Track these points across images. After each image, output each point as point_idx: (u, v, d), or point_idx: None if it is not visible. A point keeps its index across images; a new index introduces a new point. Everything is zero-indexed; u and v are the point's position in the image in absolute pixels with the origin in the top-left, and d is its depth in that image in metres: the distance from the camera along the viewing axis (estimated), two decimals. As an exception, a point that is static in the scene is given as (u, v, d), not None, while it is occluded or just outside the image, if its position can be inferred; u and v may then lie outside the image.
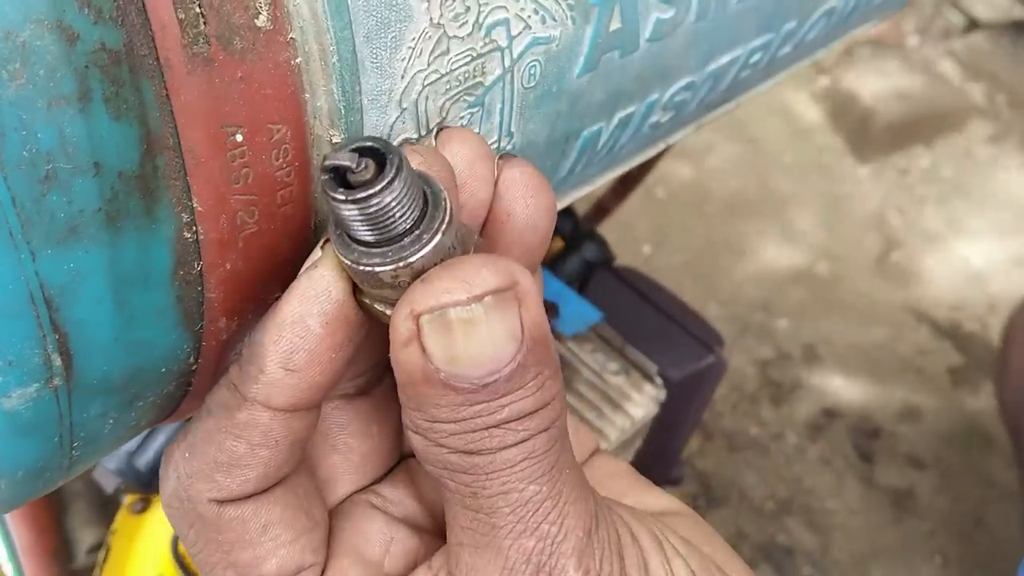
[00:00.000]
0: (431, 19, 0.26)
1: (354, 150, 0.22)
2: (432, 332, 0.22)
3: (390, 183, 0.22)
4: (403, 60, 0.26)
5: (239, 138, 0.23)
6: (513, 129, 0.31)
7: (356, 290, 0.24)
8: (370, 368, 0.30)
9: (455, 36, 0.27)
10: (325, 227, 0.27)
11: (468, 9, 0.27)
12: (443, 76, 0.27)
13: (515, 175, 0.27)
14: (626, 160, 0.42)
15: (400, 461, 0.31)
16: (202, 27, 0.21)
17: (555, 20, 0.30)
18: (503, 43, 0.29)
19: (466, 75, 0.28)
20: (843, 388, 1.37)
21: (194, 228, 0.23)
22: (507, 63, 0.29)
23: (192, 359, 0.27)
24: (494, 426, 0.23)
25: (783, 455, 1.29)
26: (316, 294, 0.24)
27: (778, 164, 1.74)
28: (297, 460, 0.26)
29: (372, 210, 0.22)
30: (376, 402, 0.30)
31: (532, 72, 0.30)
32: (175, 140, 0.22)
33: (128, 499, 0.54)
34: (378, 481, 0.30)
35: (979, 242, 1.64)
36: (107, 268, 0.22)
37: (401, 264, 0.23)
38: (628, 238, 1.44)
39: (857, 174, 1.73)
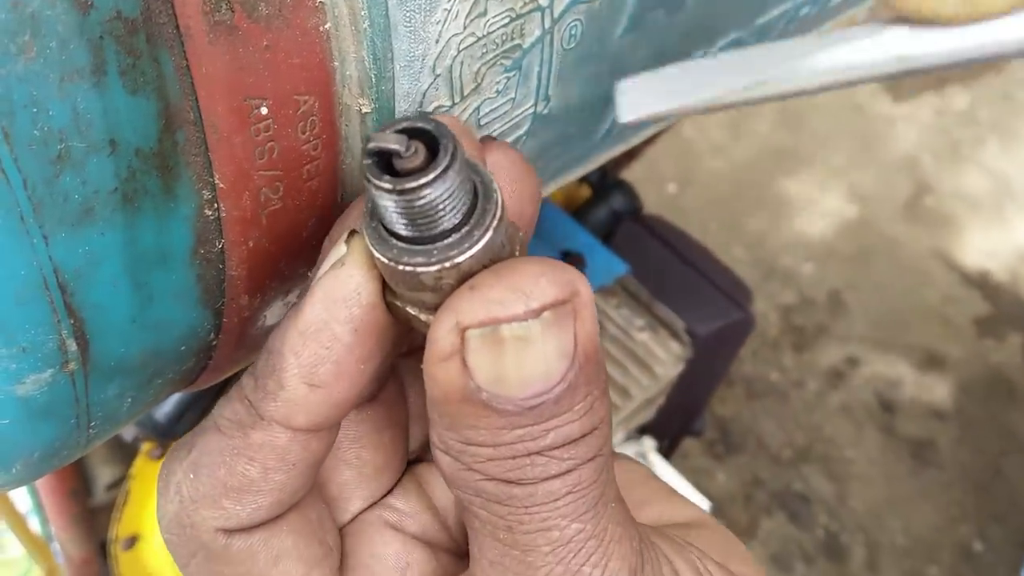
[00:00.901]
0: (469, -21, 0.24)
1: (402, 131, 0.19)
2: (479, 348, 0.19)
3: (443, 172, 0.19)
4: (438, 23, 0.24)
5: (264, 111, 0.21)
6: (550, 93, 0.29)
7: (386, 290, 0.21)
8: (385, 370, 0.26)
9: (494, -3, 0.25)
10: (352, 198, 0.25)
11: (508, -33, 0.25)
12: (480, 39, 0.26)
13: (499, 160, 0.24)
14: (659, 121, 0.41)
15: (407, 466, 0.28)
16: (224, -8, 0.20)
17: (599, -23, 0.28)
18: (544, 3, 0.27)
19: (504, 37, 0.26)
20: (867, 335, 1.35)
21: (215, 206, 0.22)
22: (547, 24, 0.27)
23: (212, 336, 0.26)
24: (537, 453, 0.20)
25: (803, 403, 1.28)
26: (344, 297, 0.21)
27: (810, 102, 1.69)
28: (312, 483, 0.24)
29: (421, 203, 0.19)
30: (385, 407, 0.27)
31: (573, 33, 0.28)
32: (196, 114, 0.21)
33: (146, 446, 0.54)
34: (389, 492, 0.27)
35: (1013, 190, 1.60)
36: (124, 250, 0.21)
37: (447, 265, 0.20)
38: (654, 176, 1.42)
39: (891, 114, 1.69)
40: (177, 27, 0.20)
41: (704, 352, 0.63)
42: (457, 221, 0.20)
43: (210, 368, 0.28)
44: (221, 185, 0.22)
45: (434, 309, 0.20)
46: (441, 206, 0.19)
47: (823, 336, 1.35)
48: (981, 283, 1.42)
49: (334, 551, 0.25)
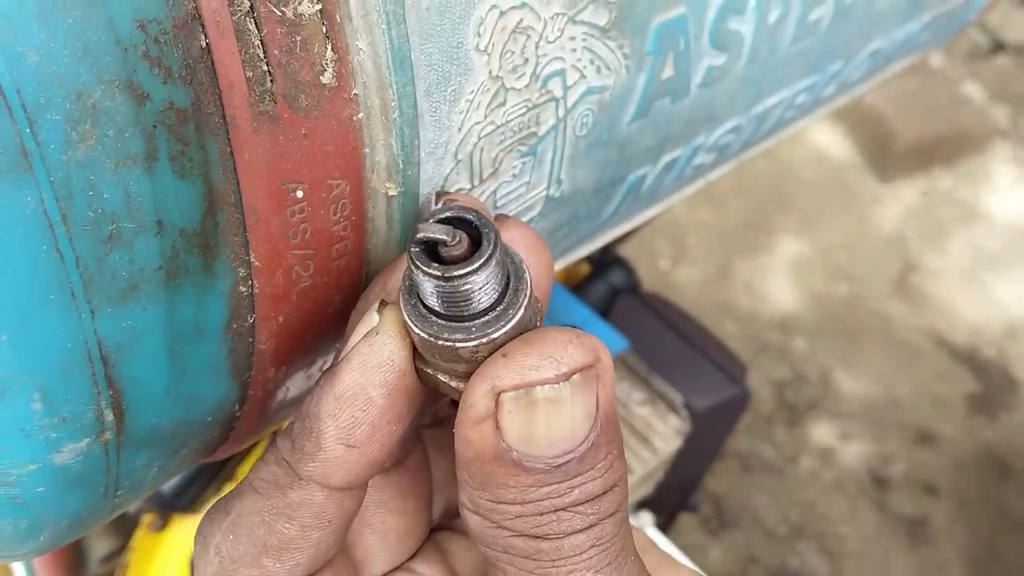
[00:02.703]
0: (490, 72, 0.26)
1: (446, 221, 0.21)
2: (513, 410, 0.21)
3: (487, 262, 0.21)
4: (461, 113, 0.26)
5: (299, 194, 0.23)
6: (562, 177, 0.31)
7: (416, 358, 0.23)
8: (411, 434, 0.28)
9: (512, 88, 0.27)
10: (376, 278, 0.26)
11: (527, 61, 0.27)
12: (499, 127, 0.27)
13: (516, 236, 0.26)
14: (666, 199, 0.42)
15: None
16: (269, 85, 0.21)
17: (610, 69, 0.29)
18: (558, 93, 0.28)
19: (521, 126, 0.28)
20: (858, 412, 1.36)
21: (250, 282, 0.23)
22: (561, 113, 0.29)
23: (238, 407, 0.27)
24: (563, 509, 0.22)
25: (797, 479, 1.28)
26: (379, 364, 0.22)
27: (798, 181, 1.73)
28: (343, 541, 0.25)
29: (464, 287, 0.21)
30: (410, 474, 0.28)
31: (585, 121, 0.30)
32: (236, 197, 0.22)
33: (147, 518, 0.54)
34: (411, 558, 0.28)
35: (999, 266, 1.63)
36: (164, 324, 0.22)
37: (484, 340, 0.21)
38: (647, 252, 1.44)
39: (877, 193, 1.72)
40: (224, 116, 0.21)
41: (702, 427, 0.64)
42: (493, 300, 0.21)
43: (231, 438, 0.28)
44: (256, 263, 0.23)
45: (465, 377, 0.22)
46: (481, 289, 0.21)
47: (815, 412, 1.35)
48: (970, 360, 1.44)
49: None
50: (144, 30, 0.19)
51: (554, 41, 0.27)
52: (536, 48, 0.27)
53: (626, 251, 0.79)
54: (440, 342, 0.21)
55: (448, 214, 0.21)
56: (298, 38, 0.21)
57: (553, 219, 0.32)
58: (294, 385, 0.29)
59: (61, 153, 0.19)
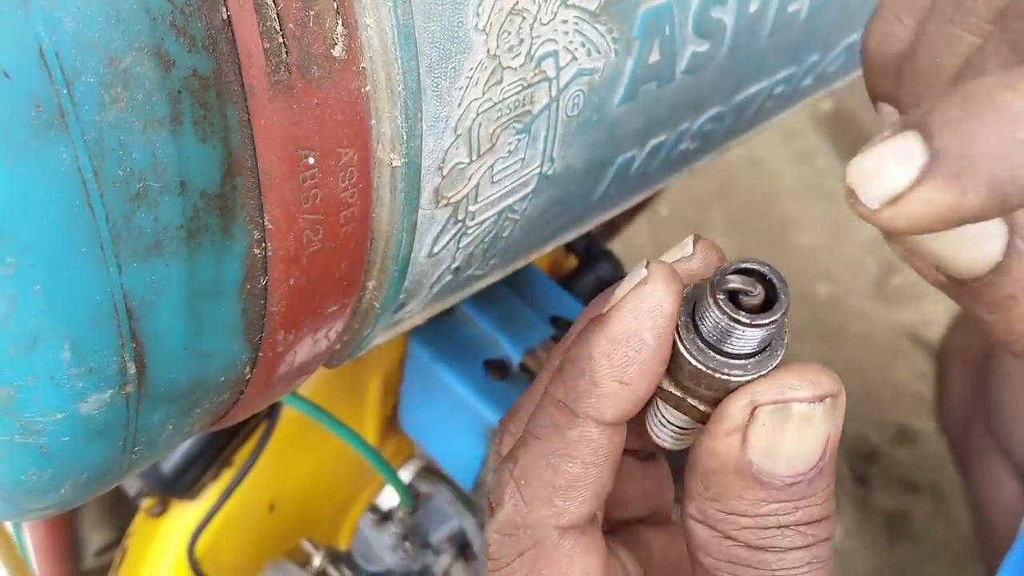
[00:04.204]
0: (488, 51, 0.27)
1: (747, 272, 0.24)
2: (767, 423, 0.23)
3: (782, 316, 0.23)
4: (460, 89, 0.27)
5: (311, 161, 0.24)
6: (555, 155, 0.32)
7: (666, 380, 0.25)
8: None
9: (509, 67, 0.28)
10: (382, 242, 0.28)
11: (522, 41, 0.28)
12: (495, 104, 0.29)
13: None
14: (653, 184, 0.44)
15: None
16: (284, 56, 0.23)
17: (599, 52, 0.31)
18: (551, 74, 0.30)
19: (516, 103, 0.29)
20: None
21: (263, 245, 0.25)
22: (553, 92, 0.30)
23: (248, 370, 0.28)
24: (787, 526, 0.24)
25: (779, 475, 1.30)
26: (650, 309, 0.24)
27: (780, 186, 1.75)
28: (612, 483, 0.27)
29: (760, 333, 0.23)
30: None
31: (576, 101, 0.31)
32: (253, 162, 0.23)
33: (146, 503, 0.55)
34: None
35: (976, 269, 1.65)
36: (184, 281, 0.23)
37: (756, 376, 0.24)
38: (632, 255, 1.45)
39: (857, 198, 1.74)
40: (242, 85, 0.22)
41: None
42: (765, 344, 0.24)
43: (240, 403, 0.30)
44: (270, 226, 0.24)
45: (714, 403, 0.25)
46: (763, 337, 0.24)
47: (797, 411, 1.37)
48: (949, 360, 1.46)
49: None
50: (171, 1, 0.21)
51: (547, 23, 0.29)
52: (531, 29, 0.28)
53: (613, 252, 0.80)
54: (718, 375, 0.24)
55: (747, 266, 0.24)
56: (312, 12, 0.23)
57: (546, 197, 0.34)
58: (301, 352, 0.30)
59: (94, 114, 0.20)
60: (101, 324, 0.22)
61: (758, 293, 0.24)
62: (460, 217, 0.30)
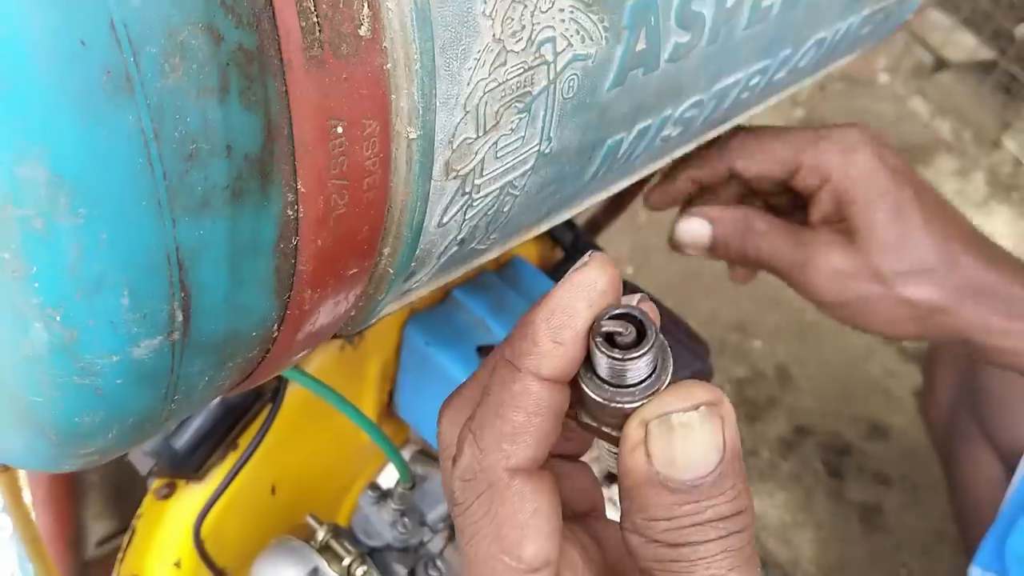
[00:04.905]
0: (494, 35, 0.30)
1: (620, 317, 0.29)
2: (657, 434, 0.28)
3: (651, 347, 0.29)
4: (469, 69, 0.30)
5: (340, 130, 0.27)
6: (552, 135, 0.35)
7: (580, 413, 0.30)
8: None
9: (512, 50, 0.31)
10: (398, 210, 0.31)
11: (524, 27, 0.31)
12: (500, 84, 0.31)
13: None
14: (638, 170, 0.47)
15: None
16: (318, 34, 0.25)
17: (592, 40, 0.34)
18: (549, 58, 0.33)
19: (518, 84, 0.32)
20: (814, 407, 1.42)
21: (296, 207, 0.27)
22: (551, 76, 0.33)
23: (276, 327, 0.30)
24: (699, 524, 0.28)
25: (757, 471, 1.33)
26: (585, 283, 0.30)
27: (753, 191, 1.79)
28: (556, 435, 0.31)
29: (633, 365, 0.29)
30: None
31: (571, 84, 0.34)
32: (289, 130, 0.26)
33: (156, 483, 0.57)
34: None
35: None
36: (227, 238, 0.26)
37: (644, 401, 0.29)
38: (613, 258, 1.49)
39: (829, 203, 1.79)
40: (281, 59, 0.25)
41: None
42: (650, 371, 0.29)
43: (264, 363, 0.32)
44: (302, 190, 0.27)
45: (619, 427, 0.29)
46: (644, 367, 0.29)
47: (774, 408, 1.41)
48: (917, 358, 1.50)
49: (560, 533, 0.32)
50: (222, -18, 0.23)
51: (546, 11, 0.32)
52: (531, 16, 0.31)
53: (591, 252, 0.83)
54: (613, 404, 0.29)
55: (619, 311, 0.29)
56: (342, -5, 0.25)
57: (543, 175, 0.37)
58: (323, 315, 0.32)
59: (156, 81, 0.22)
60: (156, 273, 0.24)
61: (630, 332, 0.29)
62: (467, 190, 0.33)
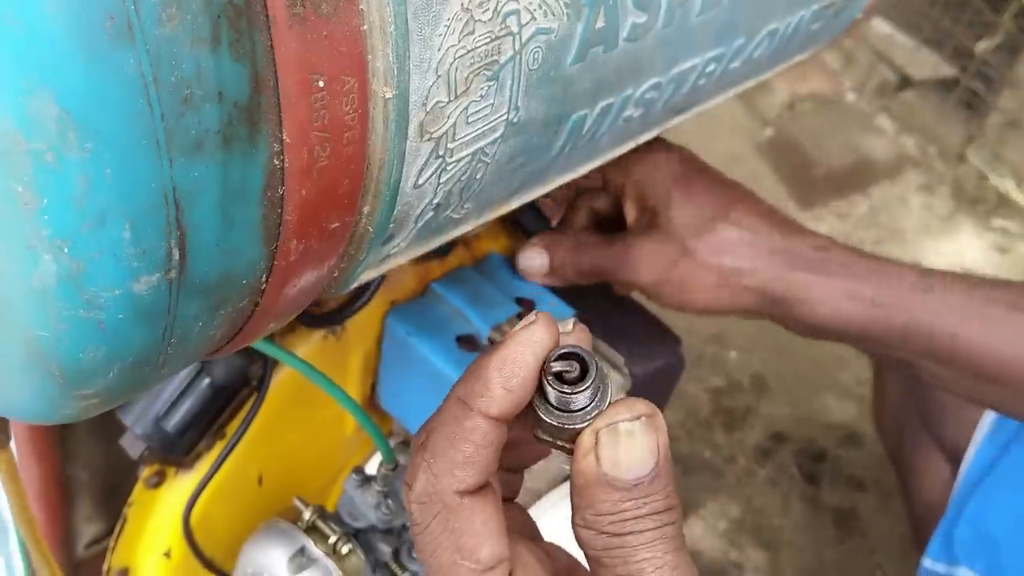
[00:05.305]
0: (462, 4, 0.33)
1: (566, 356, 0.34)
2: (606, 441, 0.33)
3: (594, 381, 0.34)
4: (440, 35, 0.32)
5: (321, 84, 0.29)
6: (519, 104, 0.38)
7: (537, 430, 0.36)
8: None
9: (479, 20, 0.34)
10: (376, 168, 0.33)
11: (490, -1, 0.34)
12: (469, 52, 0.34)
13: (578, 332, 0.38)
14: (602, 151, 0.49)
15: None
16: (300, -7, 0.28)
17: (554, 15, 0.37)
18: (515, 29, 0.35)
19: (486, 53, 0.35)
20: (790, 415, 1.44)
21: (281, 157, 0.29)
22: (517, 46, 0.36)
23: (264, 278, 0.33)
24: (639, 517, 0.33)
25: (735, 477, 1.35)
26: (534, 341, 0.35)
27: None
28: (496, 462, 0.36)
29: (580, 396, 0.34)
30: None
31: (536, 56, 0.37)
32: (274, 82, 0.28)
33: (146, 472, 0.59)
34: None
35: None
36: (219, 182, 0.28)
37: (589, 423, 0.34)
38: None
39: (800, 218, 1.83)
40: (267, 15, 0.27)
41: (643, 391, 0.70)
42: (593, 397, 0.34)
43: (252, 319, 0.34)
44: (287, 140, 0.29)
45: (571, 440, 0.35)
46: (588, 395, 0.34)
47: (750, 416, 1.43)
48: (891, 366, 1.53)
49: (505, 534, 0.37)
50: (214, -58, 0.26)
51: (510, -15, 0.34)
52: (497, -11, 0.34)
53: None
54: (564, 426, 0.35)
55: (565, 351, 0.34)
56: (322, -42, 0.28)
57: (512, 144, 0.39)
58: (303, 281, 0.35)
59: (154, 28, 0.25)
60: (155, 210, 0.27)
61: (575, 369, 0.34)
62: (441, 153, 0.35)
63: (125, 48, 0.24)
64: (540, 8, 0.36)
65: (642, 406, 0.34)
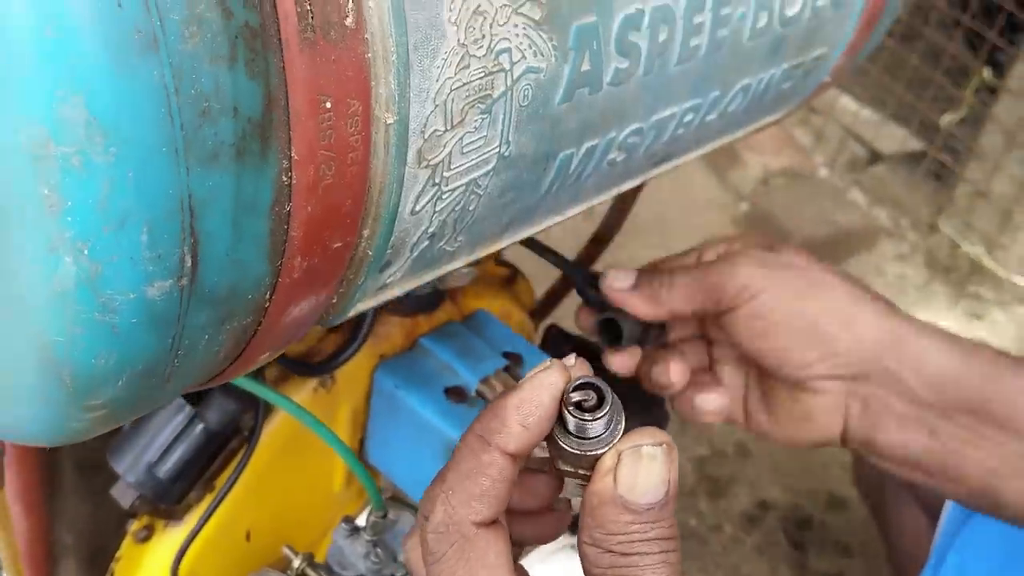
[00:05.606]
0: (459, 40, 0.35)
1: (583, 386, 0.38)
2: (627, 462, 0.36)
3: (611, 407, 0.37)
4: (438, 67, 0.35)
5: (328, 105, 0.31)
6: (510, 139, 0.40)
7: (555, 461, 0.39)
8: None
9: (474, 55, 0.36)
10: (376, 191, 0.35)
11: (484, 36, 0.36)
12: (464, 84, 0.36)
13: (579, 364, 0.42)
14: (588, 195, 0.51)
15: None
16: (310, 19, 0.30)
17: (543, 55, 0.39)
18: (506, 66, 0.38)
19: (480, 87, 0.37)
20: (775, 481, 1.44)
21: (290, 173, 0.31)
22: (508, 82, 0.38)
23: (268, 294, 0.34)
24: (645, 540, 0.36)
25: (721, 545, 1.35)
26: (549, 383, 0.38)
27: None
28: (509, 497, 0.38)
29: (603, 422, 0.37)
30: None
31: (526, 93, 0.39)
32: (285, 101, 0.30)
33: (134, 525, 0.59)
34: None
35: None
36: (232, 192, 0.30)
37: (608, 448, 0.37)
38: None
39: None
40: (280, 38, 0.29)
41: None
42: (609, 424, 0.37)
43: (258, 334, 0.35)
44: (296, 157, 0.31)
45: (589, 468, 0.37)
46: (605, 423, 0.37)
47: (735, 484, 1.43)
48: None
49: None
50: (233, -32, 0.28)
51: (503, 25, 0.37)
52: (490, 28, 0.36)
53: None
54: (584, 453, 0.37)
55: (583, 382, 0.38)
56: (331, -12, 0.30)
57: (503, 178, 0.41)
58: (301, 309, 0.36)
59: (177, 44, 0.27)
60: (171, 216, 0.28)
61: (592, 398, 0.37)
62: (437, 180, 0.37)
63: (150, 60, 0.26)
64: (530, 48, 0.38)
65: (663, 435, 0.37)
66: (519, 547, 0.44)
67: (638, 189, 0.89)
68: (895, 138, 2.16)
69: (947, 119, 1.99)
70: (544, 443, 0.39)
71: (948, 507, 0.92)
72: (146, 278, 0.29)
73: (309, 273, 0.35)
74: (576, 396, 0.37)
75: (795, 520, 1.41)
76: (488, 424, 0.37)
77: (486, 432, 0.37)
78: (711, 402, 0.66)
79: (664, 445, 0.36)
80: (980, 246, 1.89)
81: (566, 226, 0.65)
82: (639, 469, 0.36)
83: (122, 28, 0.26)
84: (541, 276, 0.84)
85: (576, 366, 0.40)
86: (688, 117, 0.53)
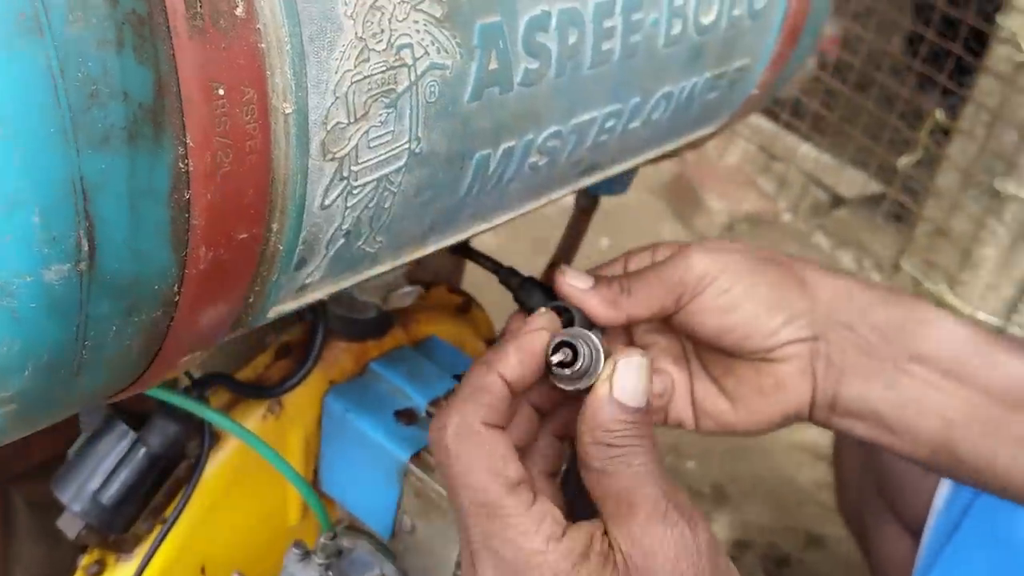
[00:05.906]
0: (356, 33, 0.36)
1: (562, 345, 0.48)
2: (623, 368, 0.46)
3: (585, 362, 0.48)
4: (336, 60, 0.36)
5: (221, 92, 0.32)
6: (420, 135, 0.41)
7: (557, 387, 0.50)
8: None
9: (374, 49, 0.37)
10: (281, 182, 0.35)
11: (383, 31, 0.37)
12: (365, 78, 0.37)
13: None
14: (514, 201, 0.52)
15: None
16: (199, 8, 0.31)
17: (447, 52, 0.40)
18: (409, 62, 0.39)
19: (382, 81, 0.38)
20: (752, 521, 1.43)
21: (186, 161, 0.32)
22: (412, 78, 0.39)
23: (177, 287, 0.34)
24: (636, 436, 0.46)
25: (702, 585, 1.33)
26: (542, 326, 0.49)
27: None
28: (510, 415, 0.49)
29: (577, 372, 0.48)
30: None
31: (432, 90, 0.40)
32: (177, 88, 0.31)
33: (85, 560, 0.58)
34: None
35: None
36: (126, 176, 0.30)
37: (594, 377, 0.48)
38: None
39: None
40: (168, 26, 0.30)
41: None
42: (590, 362, 0.48)
43: (170, 335, 0.36)
44: (191, 144, 0.32)
45: (581, 388, 0.49)
46: (584, 368, 0.48)
47: (712, 523, 1.42)
48: (848, 466, 1.54)
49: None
50: (117, -44, 0.29)
51: (402, 21, 0.38)
52: (389, 23, 0.37)
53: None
54: (575, 387, 0.48)
55: (560, 339, 0.48)
56: (219, -22, 0.31)
57: (417, 175, 0.42)
58: (210, 317, 0.37)
59: (62, 27, 0.28)
60: (63, 198, 0.29)
61: (568, 355, 0.48)
62: (345, 174, 0.38)
63: (35, 43, 0.27)
64: (433, 44, 0.39)
65: (645, 353, 0.48)
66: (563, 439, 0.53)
67: (588, 214, 0.90)
68: (855, 182, 2.20)
69: (904, 161, 2.03)
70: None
71: (931, 524, 0.92)
72: (42, 260, 0.29)
73: (217, 265, 0.35)
74: (556, 358, 0.48)
75: (774, 559, 1.40)
76: (494, 355, 0.48)
77: (490, 360, 0.48)
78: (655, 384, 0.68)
79: (648, 360, 0.47)
80: (943, 283, 1.91)
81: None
82: (631, 375, 0.46)
83: (5, 11, 0.27)
84: (505, 305, 0.85)
85: (548, 314, 0.51)
86: (610, 123, 0.54)
